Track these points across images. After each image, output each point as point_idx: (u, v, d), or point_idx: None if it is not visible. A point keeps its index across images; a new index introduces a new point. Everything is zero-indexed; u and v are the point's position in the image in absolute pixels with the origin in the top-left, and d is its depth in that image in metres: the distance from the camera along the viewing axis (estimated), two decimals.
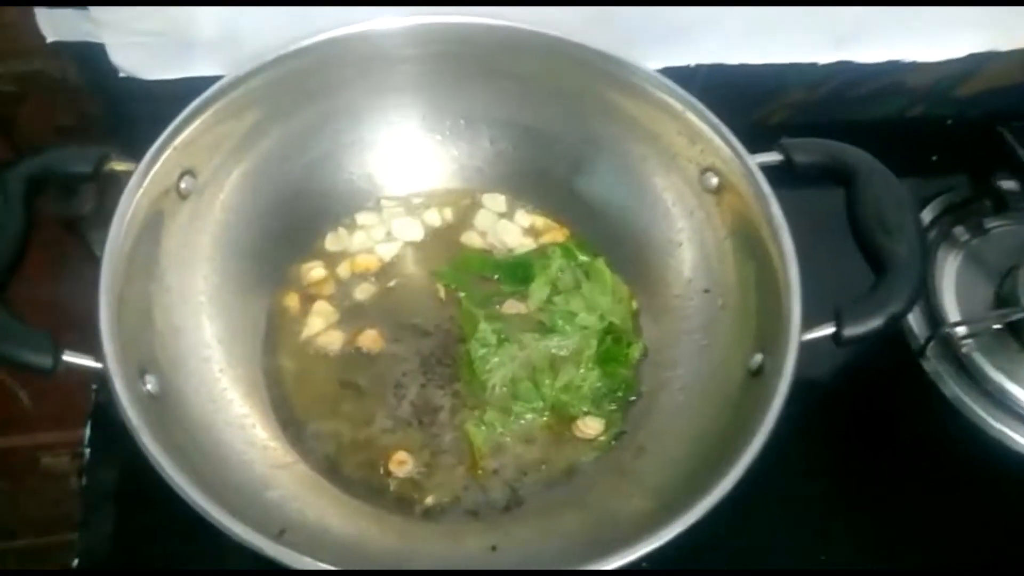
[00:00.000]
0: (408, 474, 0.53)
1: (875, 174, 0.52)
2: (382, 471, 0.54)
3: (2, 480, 0.89)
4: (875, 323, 0.48)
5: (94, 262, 0.47)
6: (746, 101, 0.70)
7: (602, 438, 0.56)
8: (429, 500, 0.53)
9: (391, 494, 0.53)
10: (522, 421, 0.56)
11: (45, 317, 0.49)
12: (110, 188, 0.51)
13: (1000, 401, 0.61)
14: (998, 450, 0.60)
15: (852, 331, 0.48)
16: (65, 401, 0.67)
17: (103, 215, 0.49)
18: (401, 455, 0.54)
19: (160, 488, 0.48)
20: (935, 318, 0.64)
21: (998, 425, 0.61)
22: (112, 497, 0.56)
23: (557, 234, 0.64)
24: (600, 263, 0.62)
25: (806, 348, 0.47)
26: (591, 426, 0.56)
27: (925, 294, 0.66)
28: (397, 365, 0.58)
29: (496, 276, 0.62)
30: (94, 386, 0.59)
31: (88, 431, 0.58)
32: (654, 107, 0.57)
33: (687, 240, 0.59)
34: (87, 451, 0.57)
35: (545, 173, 0.64)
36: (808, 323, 0.48)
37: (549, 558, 0.41)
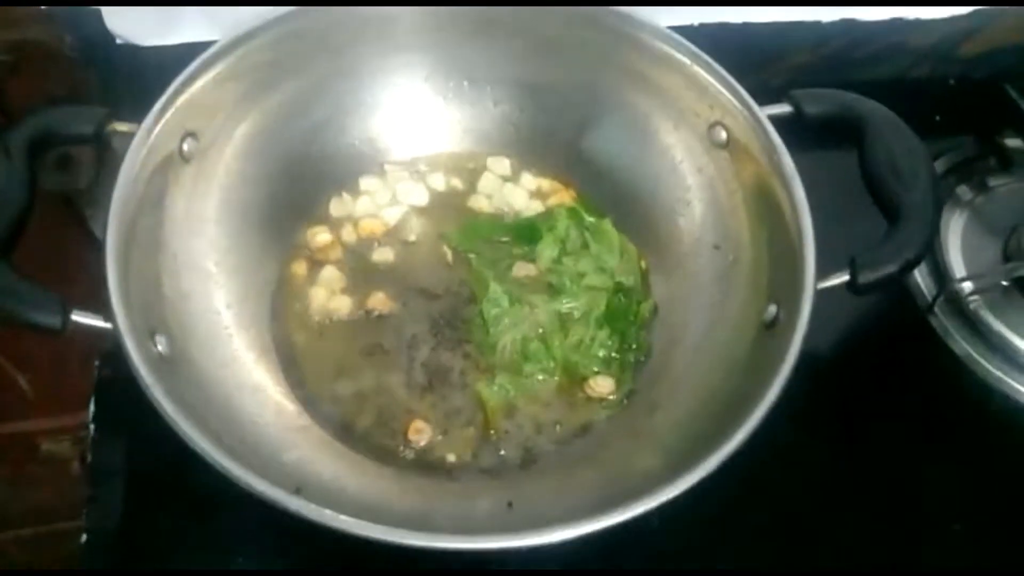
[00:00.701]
0: (427, 442, 0.53)
1: (887, 123, 0.52)
2: (399, 438, 0.53)
3: (2, 466, 0.88)
4: (890, 269, 0.48)
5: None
6: (750, 62, 0.69)
7: (613, 397, 0.56)
8: (445, 460, 0.53)
9: (406, 455, 0.53)
10: (534, 382, 0.56)
11: (51, 284, 0.48)
12: (107, 162, 0.51)
13: (1008, 357, 0.61)
14: (1006, 405, 0.60)
15: (867, 277, 0.48)
16: (65, 386, 0.66)
17: (101, 189, 0.49)
18: (418, 424, 0.53)
19: (168, 463, 0.47)
20: (942, 275, 0.64)
21: (1007, 380, 0.61)
22: (119, 474, 0.55)
23: (564, 196, 0.63)
24: (607, 223, 0.61)
25: (818, 304, 0.47)
26: (603, 385, 0.56)
27: (932, 252, 0.66)
28: (406, 328, 0.57)
29: (504, 239, 0.62)
30: (97, 362, 0.58)
31: (92, 407, 0.57)
32: (660, 61, 0.57)
33: (696, 197, 0.59)
34: (92, 427, 0.57)
35: (551, 134, 0.63)
36: (823, 274, 0.48)
37: (564, 513, 0.41)
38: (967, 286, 0.63)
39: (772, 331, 0.50)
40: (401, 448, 0.53)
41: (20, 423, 0.82)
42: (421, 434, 0.53)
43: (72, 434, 0.79)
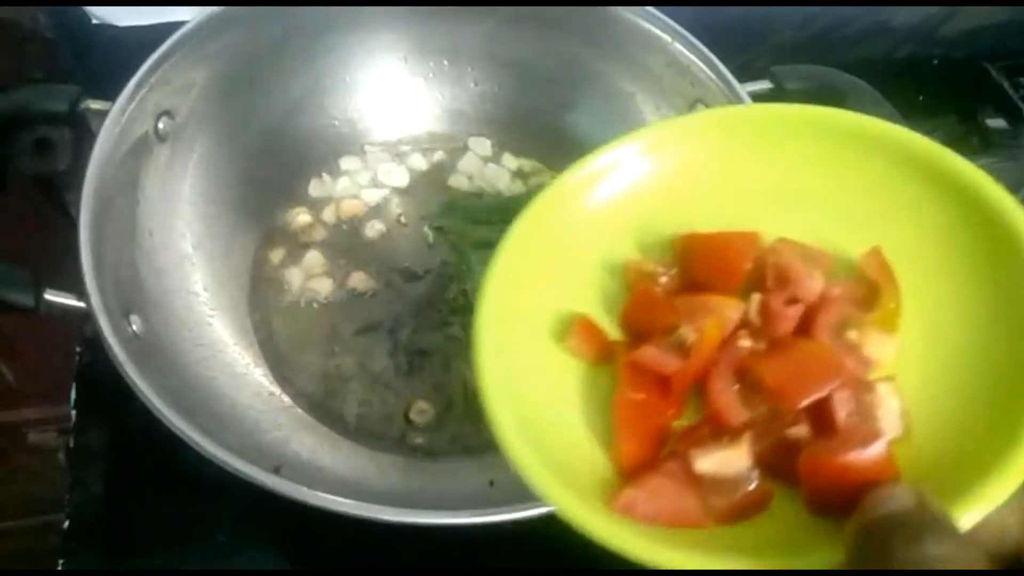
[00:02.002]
0: (429, 422, 0.53)
1: (865, 96, 0.52)
2: (387, 419, 0.53)
3: None
4: None
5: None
6: (733, 43, 0.70)
7: None
8: (426, 441, 0.52)
9: (389, 436, 0.52)
10: None
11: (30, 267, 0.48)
12: (85, 145, 0.50)
13: None
14: None
15: None
16: (50, 377, 0.66)
17: (78, 173, 0.48)
18: (421, 404, 0.53)
19: (149, 448, 0.47)
20: None
21: None
22: (101, 459, 0.55)
23: (545, 176, 0.63)
24: None
25: None
26: None
27: None
28: (387, 309, 0.57)
29: (486, 219, 0.61)
30: (78, 348, 0.58)
31: (73, 393, 0.57)
32: (641, 40, 0.56)
33: None
34: (73, 413, 0.56)
35: (531, 114, 0.63)
36: None
37: None
38: None
39: None
40: (400, 428, 0.52)
41: (6, 413, 0.82)
42: (424, 414, 0.53)
43: (58, 425, 0.79)
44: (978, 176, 0.29)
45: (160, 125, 0.51)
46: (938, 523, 0.22)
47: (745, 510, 0.27)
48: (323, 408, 0.53)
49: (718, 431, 0.28)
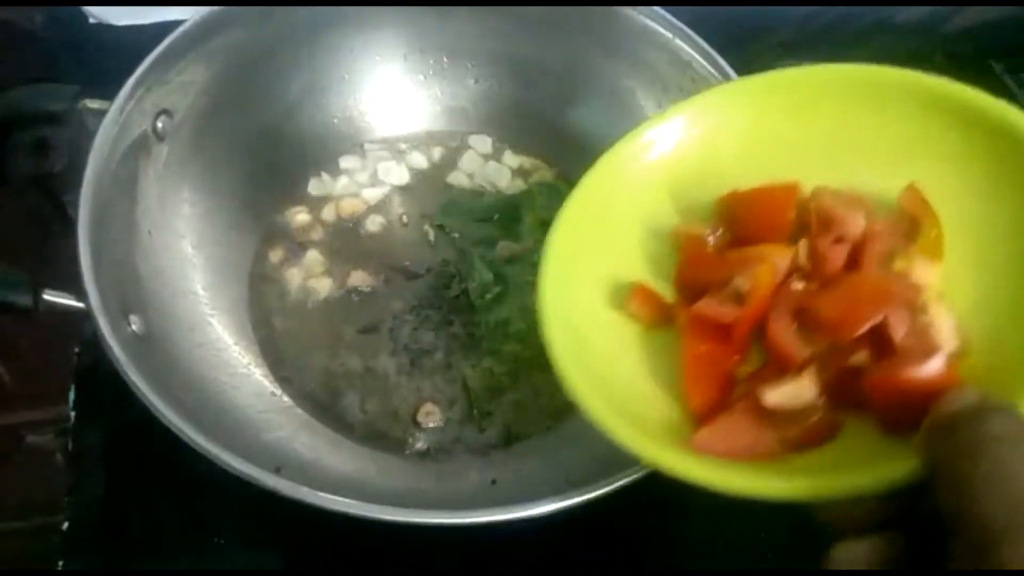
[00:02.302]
0: (436, 424, 0.53)
1: None
2: (393, 419, 0.53)
3: None
4: None
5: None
6: (735, 41, 0.69)
7: None
8: (428, 441, 0.52)
9: (391, 436, 0.52)
10: (517, 363, 0.55)
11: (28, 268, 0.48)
12: (83, 145, 0.50)
13: None
14: None
15: None
16: (48, 378, 0.65)
17: (76, 173, 0.48)
18: (428, 407, 0.53)
19: (149, 449, 0.47)
20: None
21: None
22: (100, 460, 0.55)
23: (546, 174, 0.63)
24: None
25: None
26: None
27: None
28: (388, 308, 0.57)
29: (487, 217, 0.61)
30: (76, 349, 0.58)
31: (72, 395, 0.56)
32: (643, 36, 0.56)
33: None
34: (72, 415, 0.56)
35: (532, 111, 0.63)
36: None
37: (548, 488, 0.41)
38: None
39: None
40: (404, 428, 0.52)
41: (3, 415, 0.81)
42: (431, 416, 0.53)
43: (56, 426, 0.78)
44: (999, 104, 0.32)
45: (159, 124, 0.51)
46: (1001, 408, 0.24)
47: (817, 437, 0.29)
48: (324, 408, 0.52)
49: (782, 369, 0.30)
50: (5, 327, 0.71)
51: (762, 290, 0.31)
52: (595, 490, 0.40)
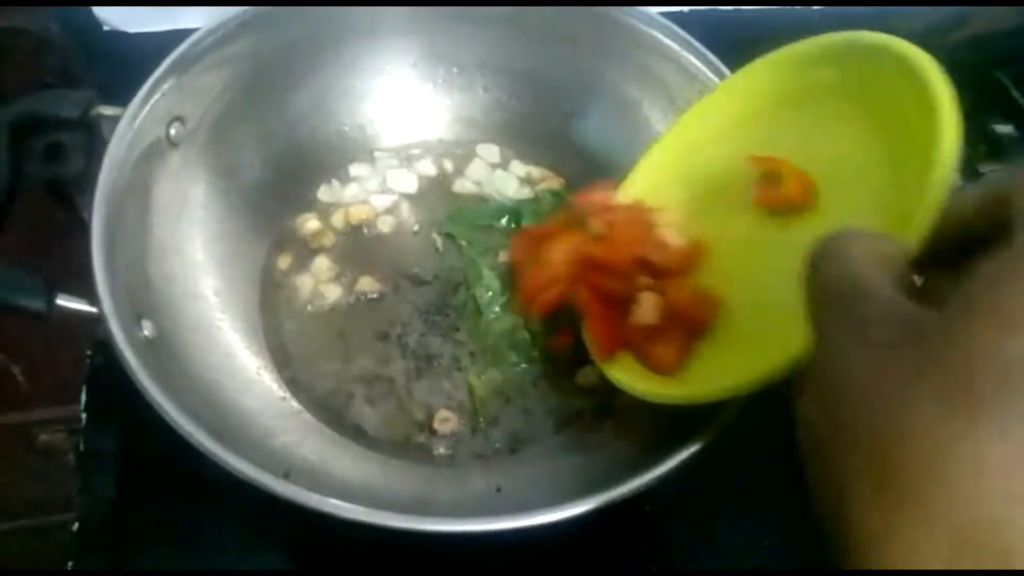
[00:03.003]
0: (453, 431, 0.53)
1: None
2: (400, 423, 0.53)
3: None
4: None
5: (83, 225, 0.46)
6: (737, 49, 0.70)
7: (602, 385, 0.56)
8: (436, 447, 0.53)
9: (398, 442, 0.53)
10: (521, 371, 0.56)
11: (41, 272, 0.48)
12: (96, 151, 0.50)
13: None
14: None
15: None
16: (60, 377, 0.66)
17: (90, 178, 0.48)
18: (444, 413, 0.53)
19: (159, 451, 0.47)
20: None
21: None
22: (111, 461, 0.56)
23: (553, 183, 0.63)
24: None
25: None
26: (591, 374, 0.56)
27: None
28: (396, 315, 0.57)
29: (493, 224, 0.61)
30: (89, 351, 0.58)
31: (84, 396, 0.57)
32: (650, 47, 0.57)
33: None
34: (84, 416, 0.57)
35: (540, 121, 0.63)
36: None
37: (552, 495, 0.41)
38: None
39: None
40: (411, 434, 0.53)
41: (16, 414, 0.82)
42: (447, 423, 0.53)
43: (68, 425, 0.79)
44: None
45: (172, 131, 0.52)
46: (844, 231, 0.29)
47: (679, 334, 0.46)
48: (333, 414, 0.53)
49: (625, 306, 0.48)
50: (18, 328, 0.72)
51: (558, 263, 0.50)
52: (600, 499, 0.40)
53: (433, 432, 0.53)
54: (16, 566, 0.91)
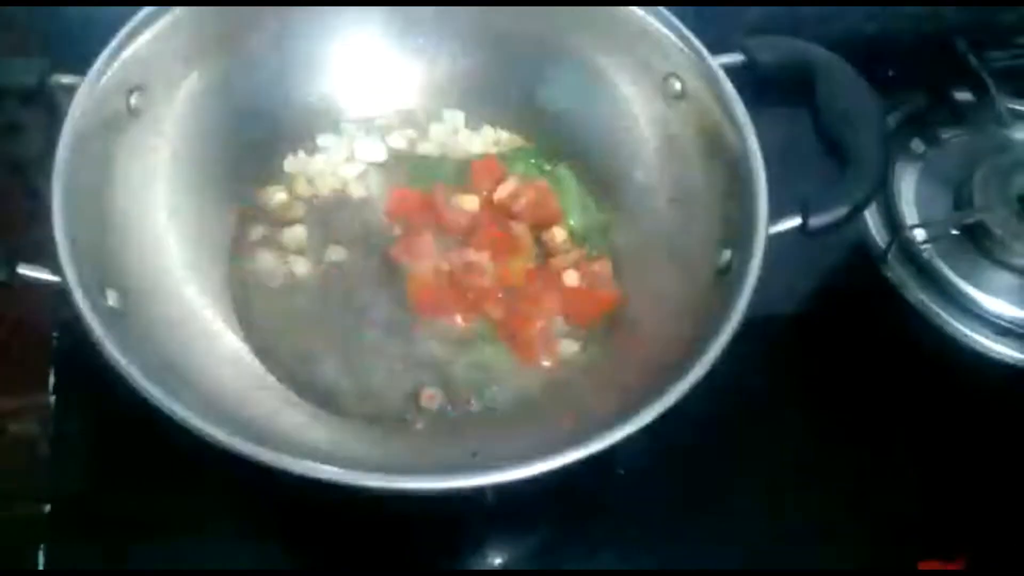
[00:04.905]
0: (439, 407, 0.53)
1: (837, 69, 0.53)
2: (376, 392, 0.53)
3: None
4: (840, 211, 0.49)
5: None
6: (706, 18, 0.70)
7: (574, 349, 0.56)
8: (412, 418, 0.53)
9: (370, 412, 0.53)
10: (492, 334, 0.56)
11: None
12: (56, 125, 0.49)
13: (960, 304, 0.63)
14: (959, 350, 0.62)
15: (818, 220, 0.48)
16: (29, 365, 0.65)
17: (50, 150, 0.47)
18: (430, 390, 0.54)
19: (129, 431, 0.47)
20: (896, 225, 0.66)
21: (959, 327, 0.63)
22: (83, 444, 0.55)
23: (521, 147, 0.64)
24: (563, 168, 0.62)
25: (776, 253, 0.48)
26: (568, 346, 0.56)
27: (885, 203, 0.67)
28: (365, 285, 0.57)
29: (454, 179, 0.61)
30: (55, 332, 0.57)
31: (52, 377, 0.56)
32: (614, 14, 0.57)
33: (653, 149, 0.59)
34: (52, 399, 0.56)
35: (507, 88, 0.63)
36: (775, 219, 0.49)
37: (526, 456, 0.42)
38: (919, 233, 0.64)
39: (726, 277, 0.50)
40: (401, 408, 0.53)
41: None
42: (433, 400, 0.53)
43: (38, 414, 0.78)
44: None
45: (132, 100, 0.51)
46: None
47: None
48: (306, 384, 0.53)
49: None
50: None
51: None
52: (571, 456, 0.41)
53: (419, 409, 0.53)
54: None
